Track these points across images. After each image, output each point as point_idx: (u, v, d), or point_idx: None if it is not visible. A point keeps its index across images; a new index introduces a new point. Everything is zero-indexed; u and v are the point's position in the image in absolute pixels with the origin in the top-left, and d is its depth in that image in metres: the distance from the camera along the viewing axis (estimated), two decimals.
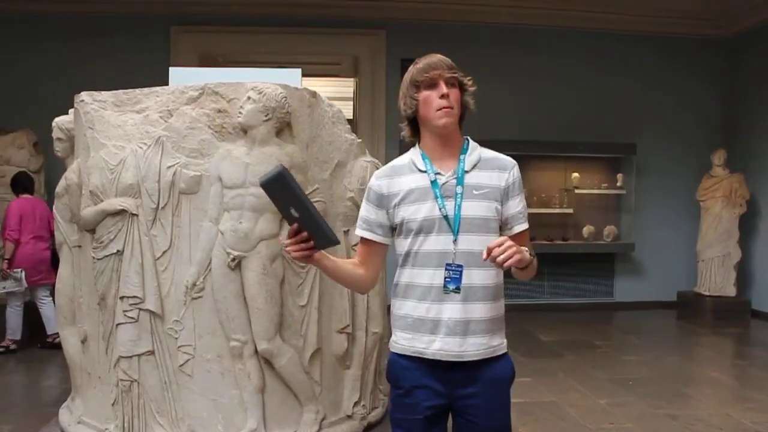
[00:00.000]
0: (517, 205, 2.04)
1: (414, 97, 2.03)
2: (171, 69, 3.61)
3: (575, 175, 8.47)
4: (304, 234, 1.81)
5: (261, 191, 2.88)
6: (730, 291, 7.97)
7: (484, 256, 1.78)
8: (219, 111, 3.05)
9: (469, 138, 2.11)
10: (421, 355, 2.00)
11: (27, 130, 6.99)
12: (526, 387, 4.79)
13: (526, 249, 1.90)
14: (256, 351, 3.01)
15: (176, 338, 3.03)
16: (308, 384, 3.14)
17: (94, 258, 3.15)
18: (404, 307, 2.04)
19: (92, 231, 3.16)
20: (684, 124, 8.71)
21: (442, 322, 1.97)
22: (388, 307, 3.76)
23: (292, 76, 3.43)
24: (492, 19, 8.23)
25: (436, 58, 2.05)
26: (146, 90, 3.18)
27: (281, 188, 1.74)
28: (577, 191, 8.45)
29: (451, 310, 1.96)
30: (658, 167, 8.62)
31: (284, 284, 3.06)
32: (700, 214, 8.21)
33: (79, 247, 3.39)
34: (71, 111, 3.52)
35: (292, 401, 3.13)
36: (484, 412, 2.01)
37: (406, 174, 2.05)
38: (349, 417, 3.35)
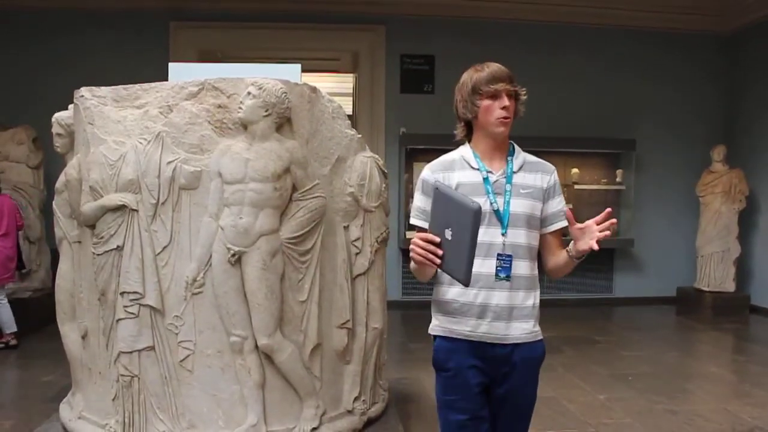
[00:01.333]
0: (557, 205, 2.27)
1: (476, 104, 2.19)
2: (170, 64, 3.60)
3: (575, 170, 8.48)
4: (440, 252, 1.93)
5: (261, 187, 2.92)
6: (730, 286, 7.99)
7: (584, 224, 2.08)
8: (219, 106, 3.04)
9: (513, 142, 2.30)
10: (466, 338, 2.19)
11: (26, 126, 6.99)
12: None
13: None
14: (256, 346, 3.01)
15: (176, 334, 3.03)
16: (308, 379, 3.14)
17: (94, 253, 3.14)
18: (449, 293, 2.22)
19: (92, 227, 3.16)
20: (684, 120, 8.71)
21: (489, 307, 2.16)
22: (389, 303, 3.77)
23: (291, 72, 3.42)
24: (490, 15, 8.23)
25: (499, 69, 2.19)
26: (146, 85, 3.17)
27: (465, 218, 1.85)
28: (576, 187, 8.45)
29: (499, 296, 2.16)
30: (658, 163, 8.63)
31: (284, 279, 3.06)
32: (700, 209, 8.22)
33: (79, 242, 3.38)
34: (71, 106, 3.51)
35: (292, 396, 3.13)
36: (517, 387, 2.22)
37: (458, 169, 2.23)
38: (350, 412, 3.35)
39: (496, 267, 2.15)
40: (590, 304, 8.49)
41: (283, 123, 3.07)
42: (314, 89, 3.26)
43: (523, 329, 2.19)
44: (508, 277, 2.15)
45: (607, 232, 2.06)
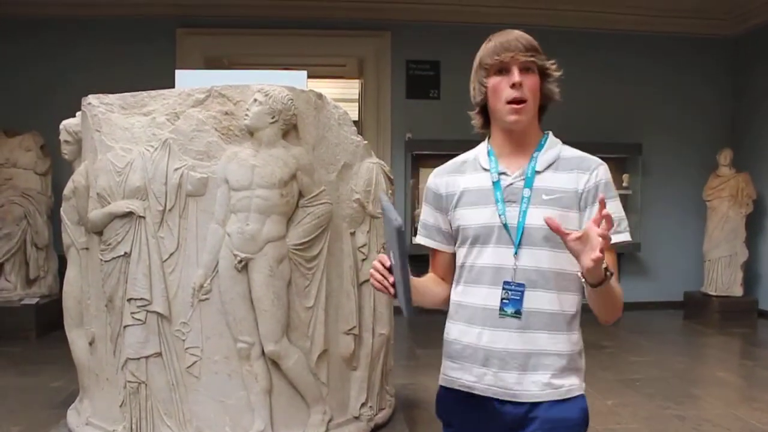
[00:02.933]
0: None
1: (483, 83, 1.69)
2: (177, 72, 3.62)
3: None
4: (391, 279, 1.57)
5: (268, 193, 2.93)
6: (737, 291, 7.95)
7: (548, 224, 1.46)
8: (225, 113, 3.06)
9: (550, 133, 1.80)
10: (469, 390, 1.71)
11: (34, 133, 7.02)
12: None
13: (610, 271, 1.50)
14: (263, 352, 3.01)
15: (183, 340, 3.04)
16: (315, 385, 3.14)
17: (101, 260, 3.16)
18: (452, 332, 1.76)
19: (100, 233, 3.18)
20: (690, 124, 8.69)
21: (496, 353, 1.66)
22: (395, 308, 3.77)
23: (298, 78, 3.44)
24: (496, 20, 8.16)
25: (513, 35, 1.68)
26: (153, 93, 3.19)
27: (393, 235, 1.50)
28: None
29: (508, 338, 1.65)
30: (664, 167, 8.60)
31: (291, 286, 3.07)
32: (707, 213, 8.18)
33: (87, 249, 3.40)
34: (78, 114, 3.54)
35: (299, 402, 3.13)
36: None
37: (468, 172, 1.76)
38: (356, 418, 3.35)
39: (501, 299, 1.64)
40: None
41: (289, 129, 3.08)
42: (320, 96, 3.27)
43: (545, 383, 1.63)
44: (517, 313, 1.63)
45: (601, 238, 1.41)
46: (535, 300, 1.63)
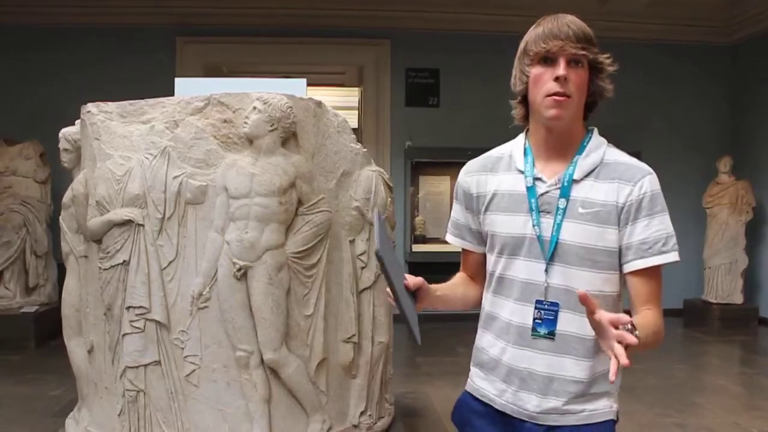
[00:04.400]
0: (642, 231, 1.50)
1: (525, 71, 1.53)
2: (176, 80, 3.63)
3: None
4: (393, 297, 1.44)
5: (267, 201, 2.93)
6: (738, 298, 7.93)
7: (580, 295, 1.28)
8: (224, 121, 3.06)
9: (595, 130, 1.63)
10: (491, 404, 1.63)
11: (34, 141, 7.02)
12: None
13: (645, 324, 1.41)
14: (262, 361, 3.01)
15: (182, 348, 3.03)
16: (314, 394, 3.13)
17: (100, 268, 3.15)
18: (483, 340, 1.67)
19: (99, 241, 3.17)
20: (690, 131, 8.69)
21: (516, 371, 1.56)
22: (395, 316, 3.76)
23: (297, 86, 3.44)
24: (495, 28, 8.23)
25: (565, 20, 1.51)
26: (152, 101, 3.19)
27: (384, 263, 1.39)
28: None
29: (531, 359, 1.54)
30: (665, 174, 8.38)
31: (290, 294, 3.06)
32: (706, 221, 8.18)
33: (86, 257, 3.40)
34: (78, 122, 3.54)
35: (298, 411, 3.12)
36: None
37: (501, 171, 1.61)
38: (356, 427, 3.34)
39: (534, 319, 1.52)
40: None
41: (288, 137, 3.08)
42: (319, 103, 3.27)
43: (566, 409, 1.54)
44: (551, 334, 1.51)
45: (624, 361, 1.22)
46: (567, 322, 1.51)
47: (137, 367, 3.05)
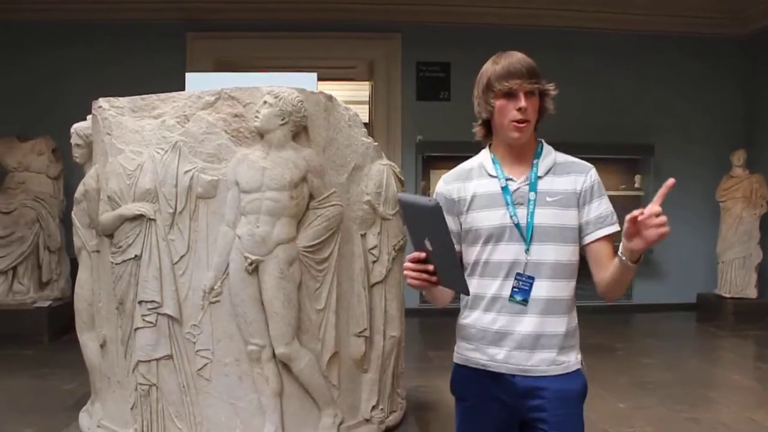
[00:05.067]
0: (598, 208, 1.95)
1: (490, 103, 1.92)
2: (187, 74, 3.63)
3: None
4: (430, 267, 1.72)
5: (278, 195, 2.92)
6: (751, 293, 7.87)
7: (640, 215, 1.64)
8: (235, 116, 3.06)
9: (543, 141, 2.03)
10: (484, 368, 1.96)
11: (46, 137, 7.07)
12: None
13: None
14: (273, 355, 3.01)
15: (194, 342, 3.04)
16: (326, 388, 3.13)
17: (112, 263, 3.16)
18: (469, 318, 2.00)
19: (110, 236, 3.18)
20: (703, 125, 8.63)
21: (509, 335, 1.92)
22: (406, 310, 3.76)
23: (307, 80, 3.43)
24: (506, 21, 8.21)
25: (517, 62, 1.91)
26: (163, 96, 3.19)
27: (429, 219, 1.66)
28: None
29: (521, 323, 1.91)
30: (677, 168, 8.51)
31: (302, 288, 3.06)
32: (720, 215, 8.12)
33: (98, 252, 3.41)
34: (89, 117, 3.55)
35: (310, 405, 3.12)
36: (556, 429, 1.91)
37: (476, 178, 2.00)
38: (368, 421, 3.33)
39: (512, 288, 1.90)
40: (609, 311, 8.38)
41: (299, 131, 3.07)
42: (330, 97, 3.26)
43: (551, 360, 1.92)
44: (525, 301, 1.89)
45: (664, 229, 1.63)
46: (543, 289, 1.90)
47: (149, 361, 3.06)
